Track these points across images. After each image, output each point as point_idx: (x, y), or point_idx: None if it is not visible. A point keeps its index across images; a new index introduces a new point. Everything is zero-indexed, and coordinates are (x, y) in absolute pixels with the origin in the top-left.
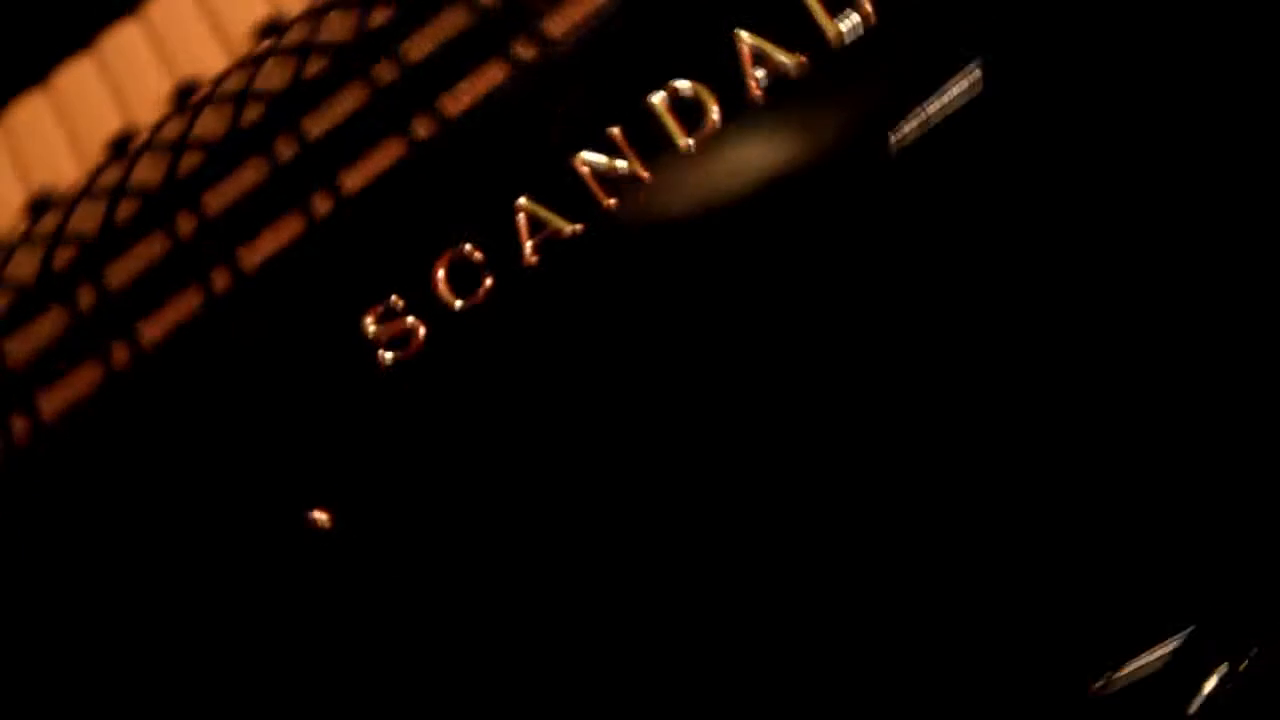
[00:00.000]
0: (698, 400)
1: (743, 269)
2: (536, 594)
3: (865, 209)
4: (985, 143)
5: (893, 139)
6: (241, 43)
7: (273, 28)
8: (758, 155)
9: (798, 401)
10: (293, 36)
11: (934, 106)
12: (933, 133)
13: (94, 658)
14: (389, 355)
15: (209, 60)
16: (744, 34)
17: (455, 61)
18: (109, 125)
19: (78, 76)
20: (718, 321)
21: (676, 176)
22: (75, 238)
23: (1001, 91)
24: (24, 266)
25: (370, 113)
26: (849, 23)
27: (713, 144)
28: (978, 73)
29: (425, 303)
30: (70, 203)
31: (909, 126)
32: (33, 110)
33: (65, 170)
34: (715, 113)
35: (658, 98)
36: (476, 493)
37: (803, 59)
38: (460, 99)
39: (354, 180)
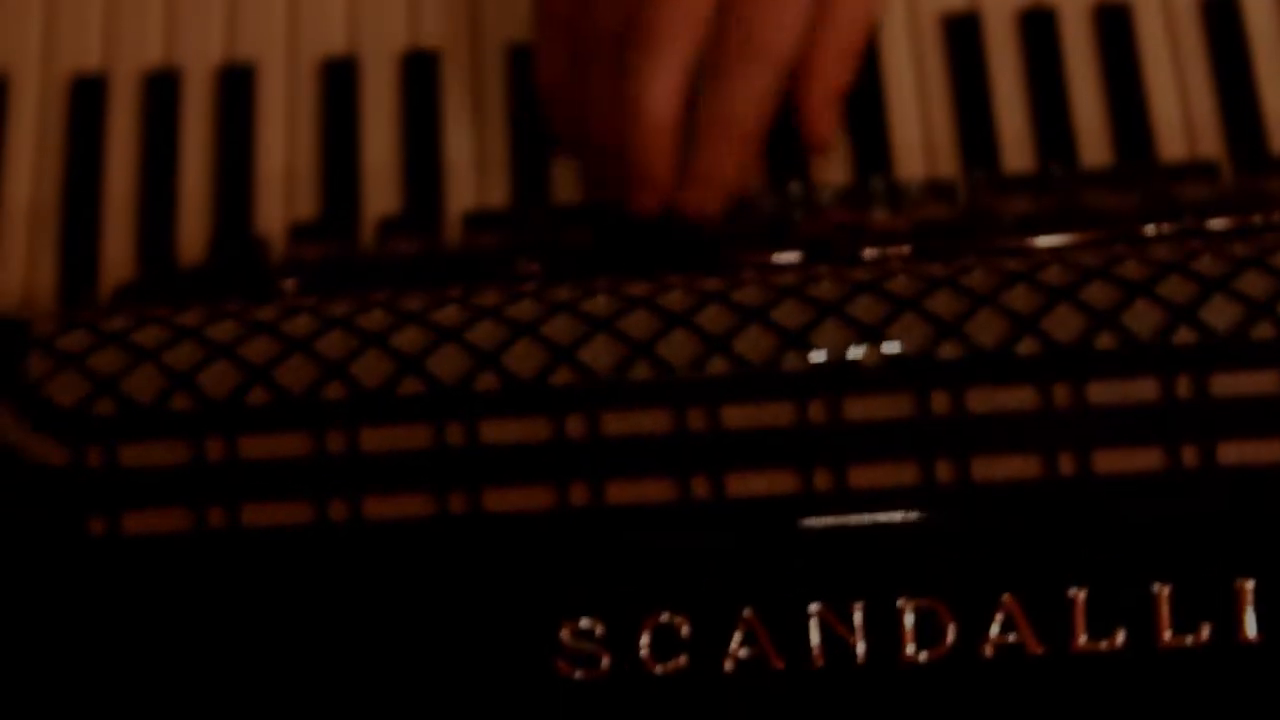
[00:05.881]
0: None
1: None
2: None
3: None
4: None
5: None
6: None
7: None
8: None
9: None
10: None
11: None
12: None
13: None
14: (573, 669)
15: None
16: (1010, 599)
17: (749, 451)
18: None
19: None
20: None
21: (896, 682)
22: None
23: None
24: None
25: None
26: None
27: (931, 670)
28: None
29: (621, 645)
30: None
31: None
32: None
33: None
34: (950, 638)
35: (912, 612)
36: None
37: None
38: (750, 486)
39: (620, 494)
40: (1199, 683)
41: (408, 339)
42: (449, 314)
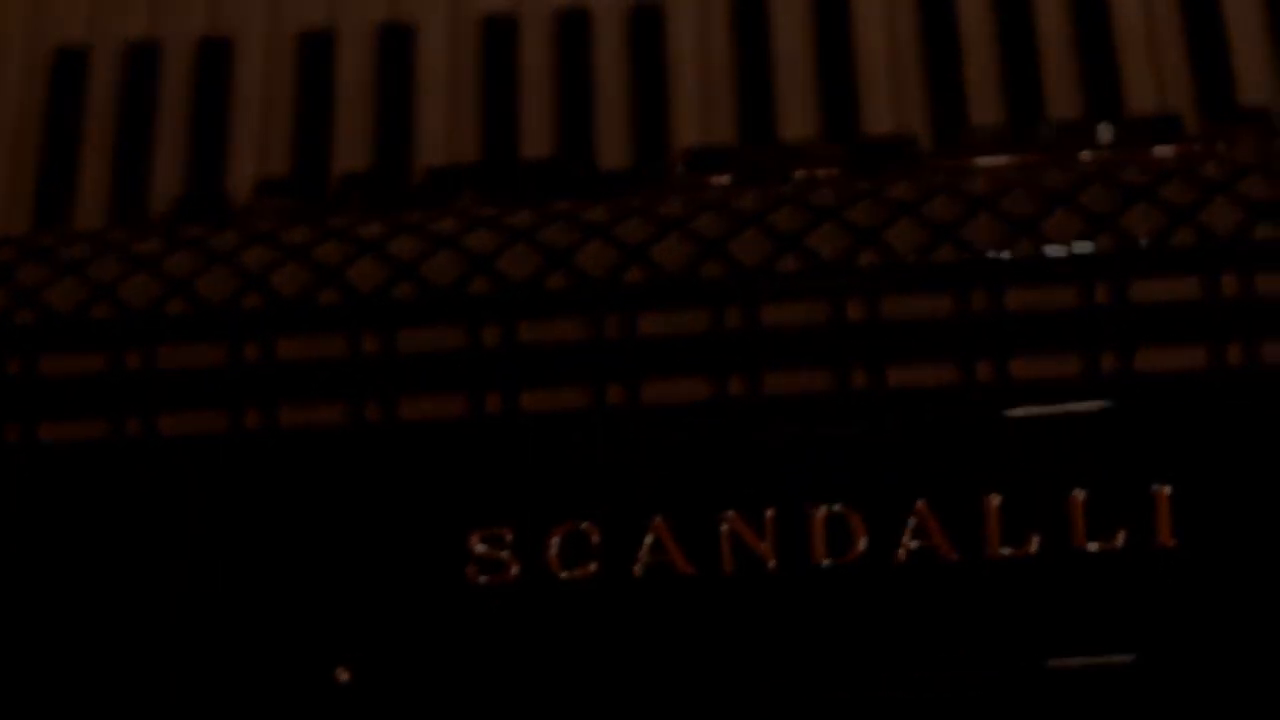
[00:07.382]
0: None
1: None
2: None
3: None
4: None
5: None
6: None
7: None
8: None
9: None
10: None
11: None
12: None
13: None
14: (481, 574)
15: None
16: (923, 505)
17: (664, 358)
18: None
19: None
20: None
21: (799, 584)
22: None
23: None
24: None
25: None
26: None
27: (843, 573)
28: None
29: (530, 553)
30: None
31: None
32: None
33: None
34: (861, 545)
35: (821, 510)
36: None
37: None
38: (664, 394)
39: (535, 402)
40: (1114, 588)
41: (327, 251)
42: (370, 229)
